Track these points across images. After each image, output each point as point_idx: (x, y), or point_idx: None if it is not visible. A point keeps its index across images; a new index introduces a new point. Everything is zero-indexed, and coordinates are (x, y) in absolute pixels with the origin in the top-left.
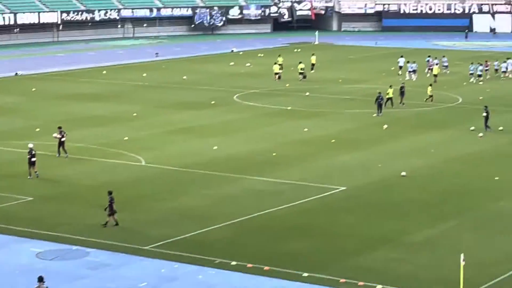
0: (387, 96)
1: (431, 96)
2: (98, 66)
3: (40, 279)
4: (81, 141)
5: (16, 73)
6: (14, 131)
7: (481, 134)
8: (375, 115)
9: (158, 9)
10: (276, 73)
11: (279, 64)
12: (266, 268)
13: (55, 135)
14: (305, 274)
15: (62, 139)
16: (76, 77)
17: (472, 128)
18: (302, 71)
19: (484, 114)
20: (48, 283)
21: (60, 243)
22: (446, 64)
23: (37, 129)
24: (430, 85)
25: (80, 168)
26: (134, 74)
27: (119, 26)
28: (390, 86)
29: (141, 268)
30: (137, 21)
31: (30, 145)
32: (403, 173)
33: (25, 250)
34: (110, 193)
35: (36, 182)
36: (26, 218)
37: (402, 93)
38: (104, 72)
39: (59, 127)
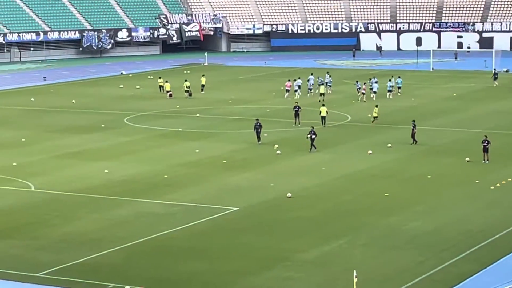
0: (321, 115)
1: (376, 117)
2: None
3: None
4: None
5: None
6: None
7: (370, 151)
8: (259, 143)
9: (45, 32)
10: (168, 91)
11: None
12: None
13: None
14: None
15: None
16: None
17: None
18: (187, 89)
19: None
20: None
21: None
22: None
23: None
24: (376, 106)
25: None
26: (21, 99)
27: (5, 50)
28: (323, 105)
29: None
30: (23, 45)
31: None
32: (289, 195)
33: None
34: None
35: None
36: None
37: (296, 113)
38: None
39: None
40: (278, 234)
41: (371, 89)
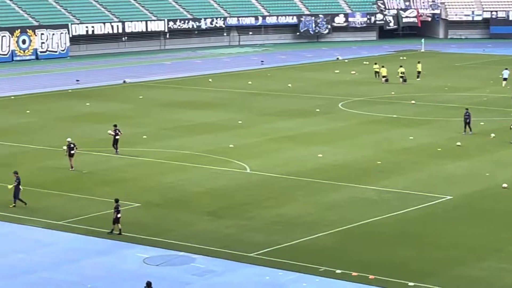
0: None
1: None
2: (204, 74)
3: (148, 285)
4: (188, 148)
5: (124, 81)
6: (121, 138)
7: None
8: (463, 133)
9: (264, 17)
10: (384, 76)
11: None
12: (371, 277)
13: (109, 132)
14: (411, 284)
15: (116, 137)
16: (182, 85)
17: None
18: (402, 75)
19: None
20: None
21: (167, 249)
22: None
23: (144, 136)
24: None
25: (186, 175)
26: (239, 82)
27: (225, 34)
28: None
29: (245, 275)
30: (243, 29)
31: (69, 139)
32: (505, 185)
33: (133, 255)
34: (116, 201)
35: (143, 189)
36: (134, 224)
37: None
38: (210, 80)
39: (115, 125)
40: (492, 225)
41: None
